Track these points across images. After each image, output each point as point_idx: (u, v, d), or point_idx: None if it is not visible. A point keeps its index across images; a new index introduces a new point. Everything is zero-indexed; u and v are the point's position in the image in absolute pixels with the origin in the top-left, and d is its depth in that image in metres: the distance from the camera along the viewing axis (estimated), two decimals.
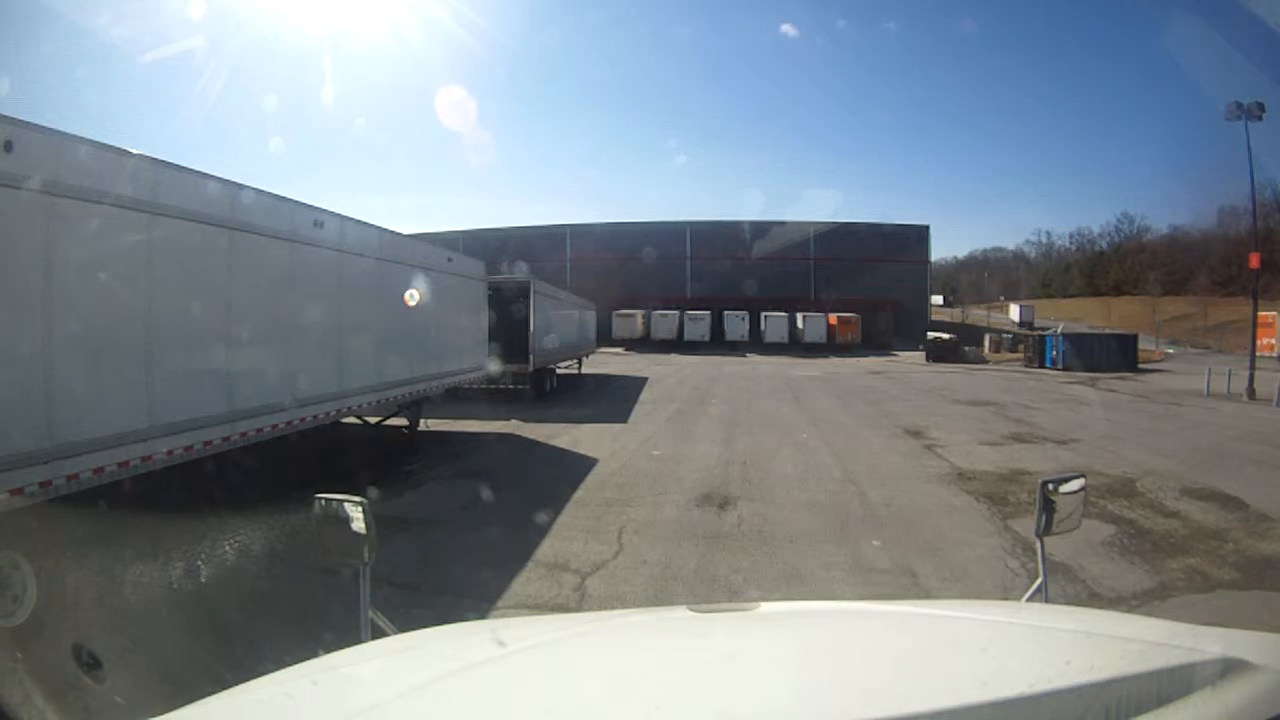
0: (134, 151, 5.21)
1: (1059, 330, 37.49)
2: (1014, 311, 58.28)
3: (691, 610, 1.61)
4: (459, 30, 57.60)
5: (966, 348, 36.37)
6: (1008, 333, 42.47)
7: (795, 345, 41.67)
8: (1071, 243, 76.18)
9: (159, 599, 4.56)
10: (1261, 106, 19.81)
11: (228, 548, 5.51)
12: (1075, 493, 1.97)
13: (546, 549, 5.70)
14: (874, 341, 42.30)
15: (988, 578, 5.11)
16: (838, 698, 1.05)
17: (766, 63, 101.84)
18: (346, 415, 8.41)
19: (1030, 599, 2.06)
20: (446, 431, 11.55)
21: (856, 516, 6.79)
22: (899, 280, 47.96)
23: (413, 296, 9.50)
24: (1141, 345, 33.65)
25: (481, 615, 4.37)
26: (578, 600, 4.75)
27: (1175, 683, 0.98)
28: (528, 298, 16.44)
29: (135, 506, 4.96)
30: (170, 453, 5.28)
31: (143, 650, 3.79)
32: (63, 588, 4.25)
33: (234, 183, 6.31)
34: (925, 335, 37.64)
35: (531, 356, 16.18)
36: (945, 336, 37.05)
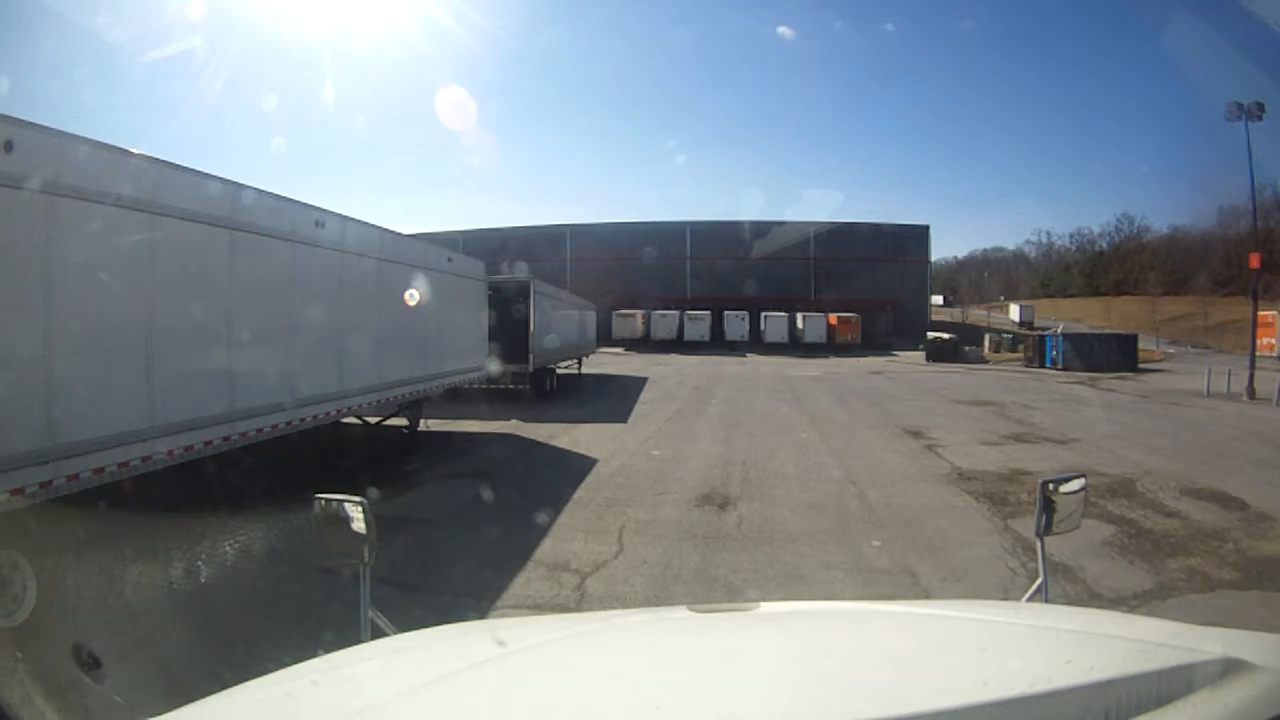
0: (134, 151, 5.22)
1: (1059, 330, 37.50)
2: (1014, 311, 58.27)
3: (691, 610, 1.61)
4: (459, 30, 57.77)
5: (966, 348, 36.36)
6: (1008, 333, 42.47)
7: (795, 345, 41.65)
8: (1071, 243, 76.24)
9: (159, 599, 4.56)
10: (1261, 106, 19.84)
11: (228, 548, 5.50)
12: (1075, 493, 1.97)
13: (546, 549, 5.70)
14: (874, 341, 42.27)
15: (988, 578, 5.11)
16: (838, 698, 1.05)
17: (767, 63, 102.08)
18: (346, 415, 8.41)
19: (1030, 599, 2.06)
20: (447, 431, 11.55)
21: (856, 516, 6.79)
22: (899, 280, 47.94)
23: (413, 296, 9.50)
24: (1141, 345, 33.66)
25: (481, 615, 4.37)
26: (578, 600, 4.75)
27: (1175, 683, 0.98)
28: (528, 298, 16.44)
29: (135, 506, 4.96)
30: (170, 453, 5.28)
31: (143, 650, 3.79)
32: (63, 588, 4.25)
33: (235, 183, 6.31)
34: (925, 335, 37.63)
35: (531, 356, 16.17)
36: (945, 336, 37.04)
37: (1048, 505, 1.90)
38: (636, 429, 12.39)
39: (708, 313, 44.38)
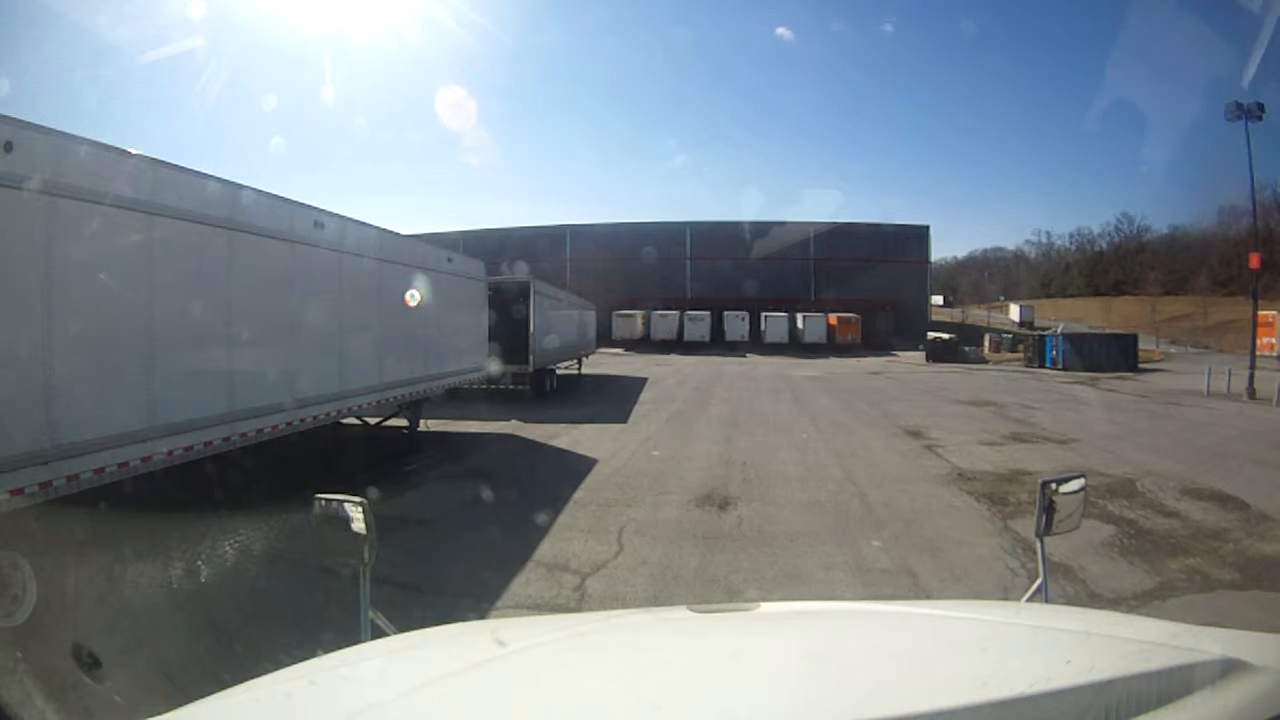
0: (134, 152, 5.21)
1: (1059, 330, 37.50)
2: (1014, 311, 58.30)
3: (691, 610, 1.61)
4: (459, 30, 57.80)
5: (966, 348, 36.39)
6: (1008, 333, 42.49)
7: (795, 345, 41.67)
8: (1071, 243, 76.29)
9: (159, 599, 4.56)
10: (1261, 106, 19.85)
11: (228, 548, 5.50)
12: (1075, 493, 1.97)
13: (546, 549, 5.69)
14: (874, 341, 42.29)
15: (988, 578, 5.11)
16: (838, 698, 1.05)
17: (767, 63, 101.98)
18: (347, 415, 8.40)
19: (1030, 599, 2.06)
20: (446, 431, 11.55)
21: (856, 516, 6.79)
22: (899, 280, 47.95)
23: (413, 297, 9.50)
24: (1141, 345, 33.67)
25: (481, 615, 4.37)
26: (578, 600, 4.75)
27: (1175, 683, 0.98)
28: (528, 298, 16.44)
29: (135, 506, 4.96)
30: (170, 453, 5.28)
31: (143, 650, 3.80)
32: (63, 588, 4.24)
33: (233, 183, 6.31)
34: (925, 335, 37.66)
35: (531, 357, 16.18)
36: (945, 336, 37.06)
37: (1048, 505, 1.90)
38: (636, 429, 12.39)
39: (708, 313, 44.39)
